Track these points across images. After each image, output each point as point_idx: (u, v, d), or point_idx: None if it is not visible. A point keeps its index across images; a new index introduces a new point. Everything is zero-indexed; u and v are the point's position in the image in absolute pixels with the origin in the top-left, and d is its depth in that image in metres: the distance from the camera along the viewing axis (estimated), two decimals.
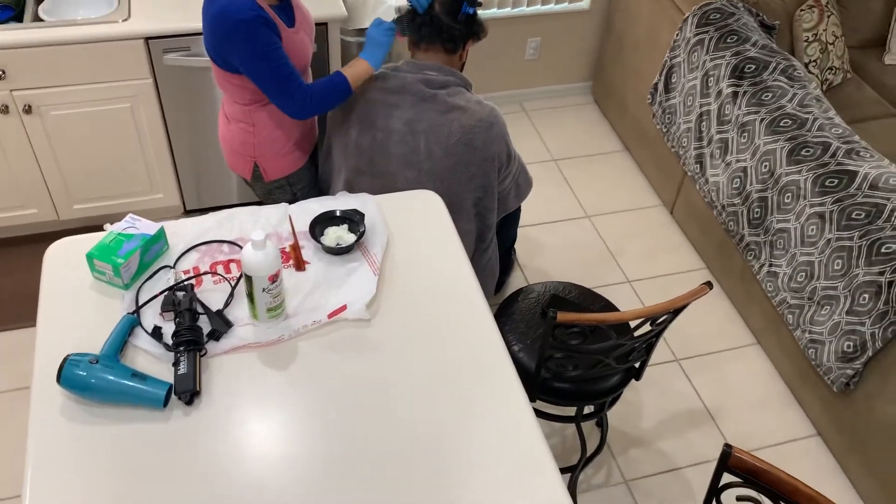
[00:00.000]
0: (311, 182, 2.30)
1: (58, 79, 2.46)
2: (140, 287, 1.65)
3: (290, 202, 1.92)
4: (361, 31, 2.97)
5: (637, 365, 2.04)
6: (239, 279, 1.68)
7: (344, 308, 1.61)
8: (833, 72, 3.15)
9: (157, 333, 1.54)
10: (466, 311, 1.68)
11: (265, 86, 1.94)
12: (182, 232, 1.79)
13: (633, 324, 2.28)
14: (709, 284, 1.80)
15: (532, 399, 1.99)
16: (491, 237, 2.33)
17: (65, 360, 1.42)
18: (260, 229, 1.76)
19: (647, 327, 1.86)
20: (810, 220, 2.34)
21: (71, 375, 1.40)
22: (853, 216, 2.22)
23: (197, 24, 2.46)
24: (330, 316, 1.61)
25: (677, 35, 2.92)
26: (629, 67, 3.37)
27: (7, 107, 2.46)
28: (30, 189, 2.71)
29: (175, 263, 1.71)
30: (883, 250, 2.12)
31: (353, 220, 1.81)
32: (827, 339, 2.30)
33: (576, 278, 2.94)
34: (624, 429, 2.47)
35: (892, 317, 2.08)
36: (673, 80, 2.97)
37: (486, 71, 3.64)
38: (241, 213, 1.85)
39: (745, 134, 2.60)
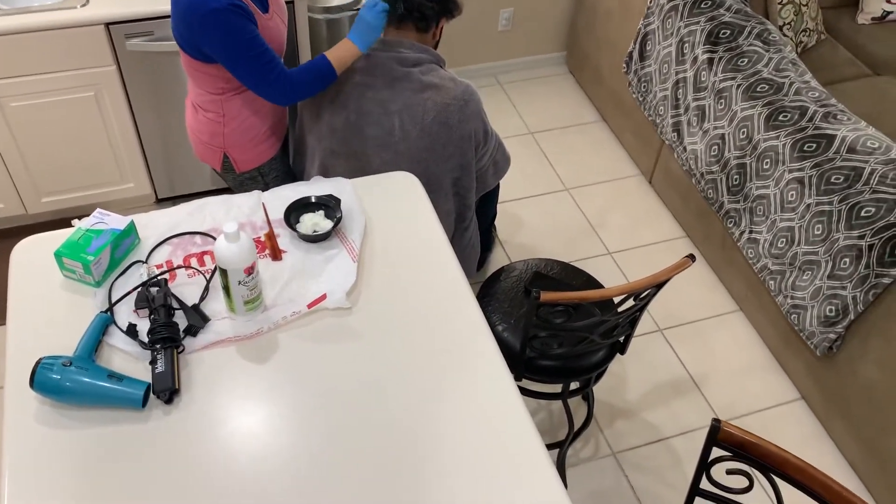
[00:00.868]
0: (285, 171, 2.25)
1: (16, 69, 2.38)
2: (112, 284, 1.60)
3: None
4: (329, 9, 2.90)
5: (621, 339, 2.03)
6: (214, 272, 1.63)
7: (324, 297, 1.58)
8: (807, 34, 3.13)
9: (132, 331, 1.50)
10: (448, 292, 1.66)
11: (244, 75, 1.87)
12: (153, 225, 1.74)
13: (616, 300, 2.27)
14: (691, 257, 1.79)
15: (518, 378, 1.98)
16: (471, 216, 2.30)
17: (37, 363, 1.37)
18: (233, 220, 1.73)
19: (630, 302, 1.85)
20: (789, 185, 2.33)
21: (44, 379, 1.36)
22: (832, 180, 2.21)
23: (159, 7, 2.39)
24: (310, 306, 1.57)
25: (650, 2, 2.88)
26: (603, 36, 3.32)
27: None
28: None
29: (147, 258, 1.66)
30: (862, 214, 2.12)
31: (329, 205, 1.77)
32: (809, 304, 2.30)
33: (557, 253, 2.92)
34: (610, 402, 2.47)
35: (873, 280, 2.09)
36: (648, 48, 2.93)
37: (459, 44, 3.58)
38: (213, 203, 1.80)
39: (722, 100, 2.58)
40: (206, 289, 1.60)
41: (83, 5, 2.37)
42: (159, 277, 1.60)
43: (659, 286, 1.80)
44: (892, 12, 3.35)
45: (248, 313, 1.54)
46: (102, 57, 2.45)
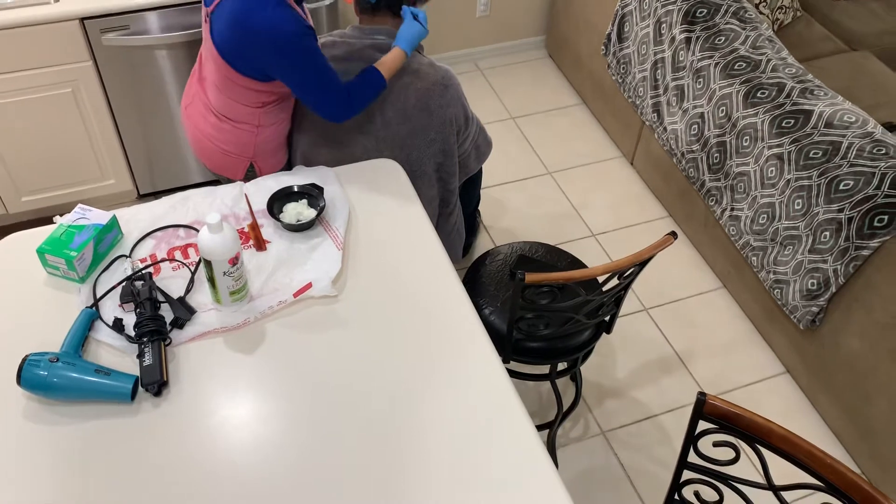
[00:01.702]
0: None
1: None
2: (97, 279, 1.60)
3: None
4: None
5: (607, 319, 2.05)
6: (198, 264, 1.63)
7: (309, 286, 1.59)
8: (783, 11, 3.15)
9: (118, 325, 1.50)
10: (434, 278, 1.66)
11: (309, 94, 1.85)
12: (136, 219, 1.73)
13: (600, 279, 2.29)
14: (673, 235, 1.80)
15: (506, 360, 1.99)
16: (454, 201, 2.31)
17: (24, 360, 1.37)
18: (215, 211, 1.72)
19: (615, 281, 1.86)
20: (769, 161, 2.36)
21: (31, 376, 1.36)
22: (811, 155, 2.24)
23: (134, 1, 2.36)
24: (295, 295, 1.58)
25: None
26: (581, 19, 3.33)
27: None
28: None
29: (131, 252, 1.66)
30: (841, 187, 2.14)
31: (312, 194, 1.77)
32: (791, 279, 2.33)
33: (541, 236, 2.94)
34: (598, 381, 2.50)
35: (853, 252, 2.11)
36: (626, 30, 2.94)
37: (438, 31, 3.58)
38: (196, 195, 1.79)
39: (701, 79, 2.59)
40: (192, 281, 1.60)
41: (57, 1, 2.34)
42: (144, 271, 1.60)
43: (642, 264, 1.82)
44: None
45: (233, 304, 1.55)
46: (78, 53, 2.42)
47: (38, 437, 1.36)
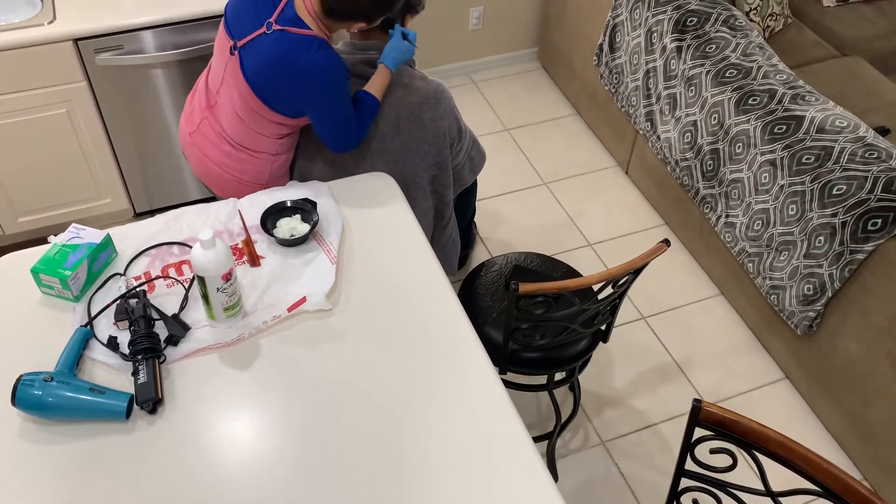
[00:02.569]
0: None
1: None
2: (91, 298, 1.60)
3: None
4: None
5: (603, 327, 2.05)
6: (192, 281, 1.64)
7: (303, 300, 1.59)
8: (774, 18, 3.16)
9: (112, 344, 1.50)
10: (429, 291, 1.66)
11: (329, 128, 1.88)
12: (130, 237, 1.74)
13: (595, 287, 2.29)
14: (666, 242, 1.81)
15: (502, 372, 1.99)
16: (449, 213, 2.31)
17: (18, 380, 1.37)
18: (209, 227, 1.73)
19: (609, 290, 1.86)
20: (762, 168, 2.36)
21: (26, 396, 1.36)
22: (803, 161, 2.24)
23: (128, 21, 2.38)
24: (290, 309, 1.58)
25: None
26: (573, 30, 3.35)
27: None
28: None
29: (125, 270, 1.66)
30: (834, 192, 2.15)
31: (305, 209, 1.78)
32: (787, 284, 2.33)
33: (537, 247, 2.94)
34: (597, 391, 2.49)
35: (848, 256, 2.12)
36: (617, 40, 2.96)
37: (431, 45, 3.60)
38: (189, 213, 1.80)
39: (693, 88, 2.60)
40: (186, 298, 1.60)
41: (50, 22, 2.36)
42: (138, 289, 1.60)
43: (636, 272, 1.82)
44: None
45: (228, 320, 1.55)
46: (72, 73, 2.44)
47: (33, 457, 1.35)
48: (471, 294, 2.07)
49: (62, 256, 1.58)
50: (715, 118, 2.52)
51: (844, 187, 2.13)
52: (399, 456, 1.38)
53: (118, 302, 1.56)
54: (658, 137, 2.83)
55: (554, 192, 3.17)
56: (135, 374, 1.43)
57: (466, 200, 2.56)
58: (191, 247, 1.72)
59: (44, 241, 2.76)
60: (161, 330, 1.53)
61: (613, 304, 1.93)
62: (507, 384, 2.08)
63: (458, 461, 1.37)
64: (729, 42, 2.56)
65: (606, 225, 3.04)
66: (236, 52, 1.84)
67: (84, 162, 2.67)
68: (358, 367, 1.51)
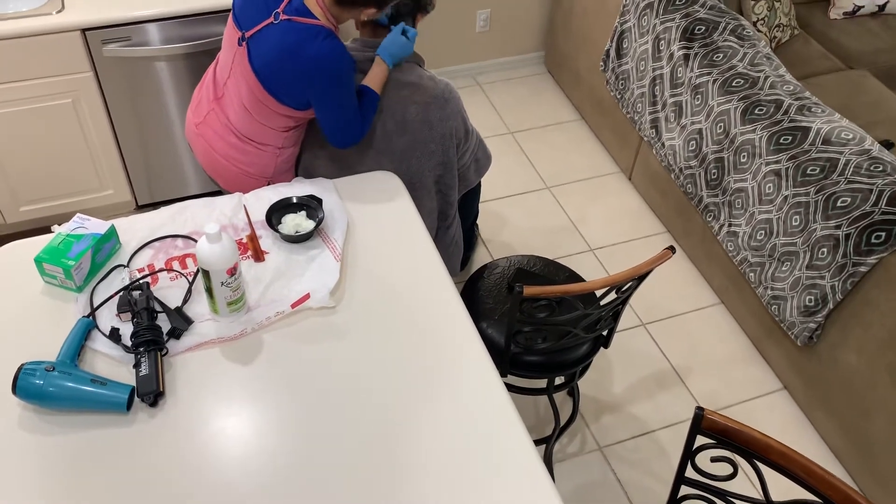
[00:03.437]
0: None
1: None
2: (94, 289, 1.59)
3: None
4: None
5: (605, 333, 2.05)
6: (196, 274, 1.63)
7: (307, 297, 1.58)
8: (781, 29, 3.17)
9: (115, 335, 1.49)
10: (432, 290, 1.66)
11: (333, 122, 1.88)
12: (134, 229, 1.73)
13: (598, 293, 2.29)
14: (671, 249, 1.81)
15: (503, 374, 1.99)
16: (453, 214, 2.31)
17: (19, 369, 1.37)
18: (214, 221, 1.73)
19: (612, 295, 1.86)
20: (767, 178, 2.36)
21: (27, 385, 1.36)
22: (808, 172, 2.24)
23: (136, 12, 2.38)
24: (293, 306, 1.57)
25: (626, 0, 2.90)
26: (580, 35, 3.35)
27: None
28: None
29: (129, 262, 1.66)
30: (838, 204, 2.15)
31: (311, 206, 1.77)
32: (789, 295, 2.33)
33: (539, 250, 2.94)
34: (596, 396, 2.49)
35: (851, 269, 2.12)
36: (624, 46, 2.96)
37: (438, 46, 3.60)
38: (194, 206, 1.80)
39: (699, 96, 2.61)
40: (189, 291, 1.59)
41: (59, 11, 2.35)
42: (141, 281, 1.59)
43: (640, 279, 1.82)
44: (862, 7, 3.41)
45: (231, 314, 1.54)
46: (79, 63, 2.43)
47: (33, 447, 1.35)
48: (473, 296, 2.07)
49: (66, 246, 1.58)
50: (720, 127, 2.52)
51: (849, 199, 2.13)
52: (399, 454, 1.38)
53: (121, 293, 1.56)
54: (663, 144, 2.83)
55: (557, 196, 3.17)
56: (136, 366, 1.43)
57: (470, 202, 2.56)
58: (195, 240, 1.71)
59: (45, 230, 2.75)
60: (164, 323, 1.53)
61: (616, 310, 1.93)
62: (507, 387, 2.07)
63: (458, 462, 1.37)
64: (736, 51, 2.57)
65: (608, 230, 3.04)
66: (244, 43, 1.84)
67: (88, 153, 2.66)
68: (360, 364, 1.51)
